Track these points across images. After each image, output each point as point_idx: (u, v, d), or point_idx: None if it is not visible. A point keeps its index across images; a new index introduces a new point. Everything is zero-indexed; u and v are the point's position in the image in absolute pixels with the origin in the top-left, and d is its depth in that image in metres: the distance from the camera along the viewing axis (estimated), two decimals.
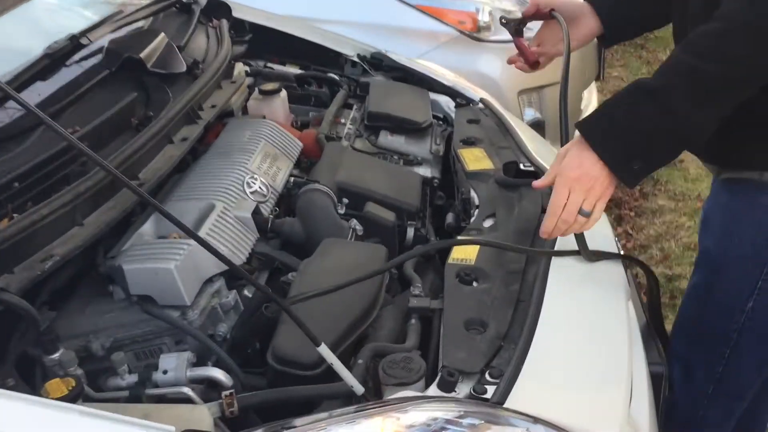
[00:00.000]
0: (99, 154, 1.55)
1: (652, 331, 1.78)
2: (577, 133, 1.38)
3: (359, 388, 1.17)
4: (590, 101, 4.34)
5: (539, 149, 2.25)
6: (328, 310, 1.39)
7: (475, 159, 2.04)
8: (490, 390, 1.23)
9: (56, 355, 1.28)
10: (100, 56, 1.87)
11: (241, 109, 2.32)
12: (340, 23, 3.68)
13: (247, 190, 1.71)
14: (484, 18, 3.74)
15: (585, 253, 1.57)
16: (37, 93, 1.70)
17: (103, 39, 1.98)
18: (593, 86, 4.47)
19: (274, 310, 1.35)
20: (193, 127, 1.80)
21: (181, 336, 1.42)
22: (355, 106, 2.47)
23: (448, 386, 1.23)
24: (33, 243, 1.31)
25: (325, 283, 1.45)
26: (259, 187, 1.75)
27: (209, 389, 1.30)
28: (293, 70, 2.70)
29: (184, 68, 2.02)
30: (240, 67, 2.37)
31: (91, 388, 1.30)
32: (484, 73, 3.65)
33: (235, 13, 2.70)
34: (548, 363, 1.32)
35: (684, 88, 1.26)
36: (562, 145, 1.46)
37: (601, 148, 1.31)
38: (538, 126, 3.89)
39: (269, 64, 2.74)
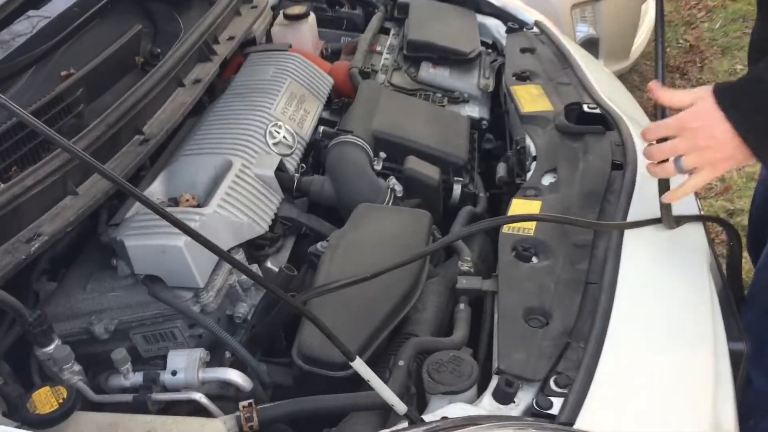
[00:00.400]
0: (97, 103, 1.35)
1: (731, 301, 1.56)
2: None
3: (401, 408, 0.97)
4: (647, 15, 3.95)
5: (605, 85, 1.97)
6: (363, 296, 1.19)
7: (531, 98, 1.77)
8: (557, 403, 1.03)
9: (50, 349, 1.10)
10: None
11: (264, 36, 2.07)
12: None
13: (270, 142, 1.48)
14: None
15: (667, 219, 1.33)
16: (28, 25, 1.46)
17: None
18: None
19: (306, 299, 1.15)
20: (207, 65, 1.55)
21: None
22: (392, 31, 2.18)
23: (505, 398, 1.04)
24: (17, 219, 1.11)
25: (360, 259, 1.24)
26: (284, 138, 1.52)
27: (224, 390, 1.12)
28: None
29: None
30: None
31: (92, 387, 1.13)
32: None
33: None
34: (625, 366, 1.11)
35: None
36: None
37: (742, 118, 1.07)
38: (591, 43, 3.55)
39: None
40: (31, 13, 1.51)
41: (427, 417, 1.02)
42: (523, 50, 2.00)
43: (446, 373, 1.08)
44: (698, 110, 1.13)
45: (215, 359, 1.19)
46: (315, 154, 1.56)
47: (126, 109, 1.28)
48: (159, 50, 1.50)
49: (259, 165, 1.41)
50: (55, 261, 1.37)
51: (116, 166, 1.24)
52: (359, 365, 0.94)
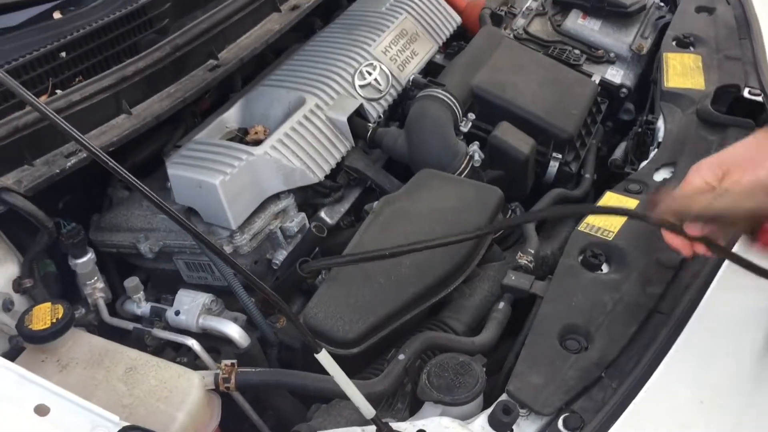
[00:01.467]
0: (189, 18, 1.33)
1: None
2: None
3: (368, 411, 0.88)
4: None
5: None
6: (394, 271, 1.08)
7: (682, 70, 1.49)
8: None
9: (79, 261, 1.13)
10: None
11: None
12: None
13: (357, 83, 1.38)
14: None
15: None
16: None
17: None
18: None
19: (310, 269, 1.07)
20: None
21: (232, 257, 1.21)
22: None
23: (500, 426, 0.90)
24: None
25: (401, 232, 1.13)
26: (375, 80, 1.40)
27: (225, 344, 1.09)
28: None
29: None
30: None
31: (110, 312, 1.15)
32: None
33: None
34: (657, 426, 0.92)
35: None
36: None
37: None
38: None
39: None
40: None
41: (401, 425, 0.92)
42: (699, 9, 1.69)
43: (447, 379, 0.96)
44: None
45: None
46: (404, 104, 1.44)
47: (200, 30, 1.24)
48: None
49: (335, 107, 1.32)
50: (136, 170, 1.41)
51: (178, 89, 1.22)
52: (323, 358, 0.85)
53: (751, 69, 1.47)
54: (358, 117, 1.34)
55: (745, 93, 1.40)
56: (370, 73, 1.40)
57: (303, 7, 1.40)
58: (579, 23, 1.70)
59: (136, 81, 1.16)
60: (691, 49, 1.56)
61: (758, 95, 1.39)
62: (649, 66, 1.64)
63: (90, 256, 1.14)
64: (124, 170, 0.74)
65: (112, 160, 0.73)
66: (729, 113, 1.40)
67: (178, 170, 1.18)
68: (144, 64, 1.16)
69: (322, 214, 1.30)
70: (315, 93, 1.33)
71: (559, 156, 1.35)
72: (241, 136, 1.32)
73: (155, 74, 1.18)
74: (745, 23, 1.60)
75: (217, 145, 1.23)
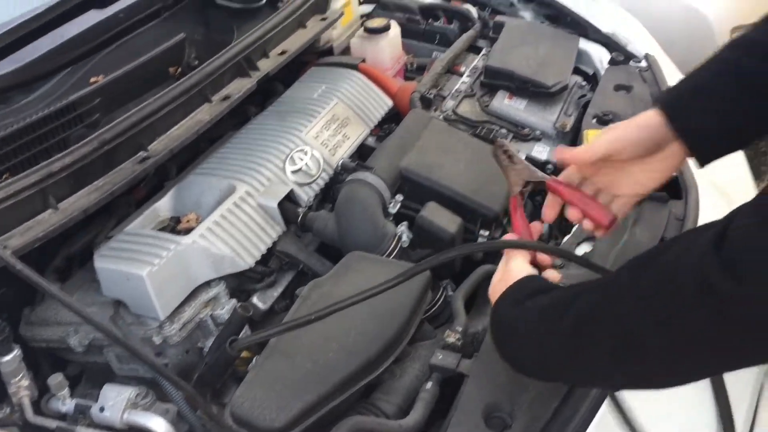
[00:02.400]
0: (120, 112, 1.35)
1: None
2: None
3: None
4: None
5: None
6: (321, 354, 1.09)
7: None
8: None
9: (8, 358, 1.11)
10: None
11: (344, 49, 2.00)
12: None
13: (289, 168, 1.42)
14: None
15: None
16: (75, 27, 1.49)
17: None
18: None
19: (239, 346, 1.07)
20: (244, 81, 1.51)
21: (161, 348, 1.21)
22: (484, 50, 2.03)
23: None
24: None
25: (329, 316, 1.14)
26: (307, 165, 1.44)
27: None
28: None
29: (263, 0, 1.73)
30: None
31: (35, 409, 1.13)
32: (690, 5, 2.95)
33: None
34: None
35: None
36: None
37: None
38: None
39: None
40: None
41: None
42: (618, 87, 1.78)
43: None
44: None
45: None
46: (334, 187, 1.47)
47: (130, 124, 1.26)
48: (197, 62, 1.47)
49: (265, 194, 1.35)
50: (71, 261, 1.40)
51: (106, 182, 1.23)
52: None
53: None
54: (289, 202, 1.37)
55: None
56: (301, 159, 1.44)
57: (234, 98, 1.44)
58: (505, 103, 1.77)
59: (63, 176, 1.17)
60: (611, 124, 1.64)
61: None
62: (573, 142, 1.71)
63: (15, 353, 1.12)
64: (33, 271, 0.75)
65: (22, 263, 0.74)
66: None
67: (105, 263, 1.18)
68: (71, 159, 1.17)
69: (255, 300, 1.31)
70: (246, 180, 1.36)
71: (486, 233, 1.39)
72: (173, 225, 1.34)
73: (83, 168, 1.20)
74: None
75: (145, 235, 1.24)
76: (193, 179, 1.39)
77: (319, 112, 1.55)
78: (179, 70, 1.47)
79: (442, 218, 1.35)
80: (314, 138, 1.49)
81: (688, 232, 0.82)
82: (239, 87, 1.48)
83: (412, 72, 2.05)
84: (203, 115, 1.40)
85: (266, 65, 1.57)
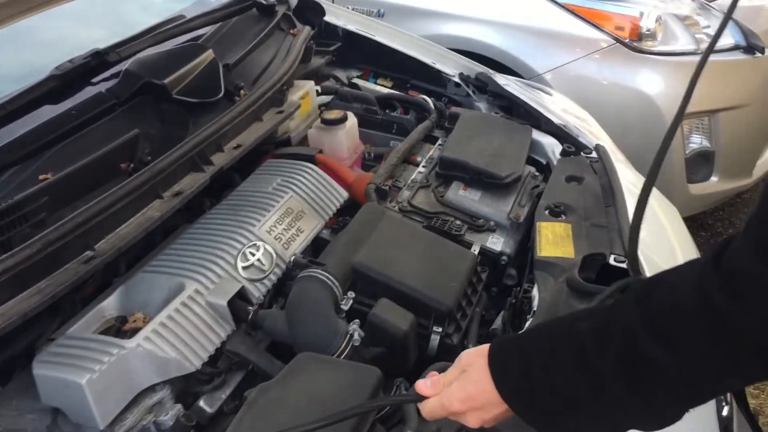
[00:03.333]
0: (68, 210, 1.33)
1: None
2: None
3: None
4: None
5: (657, 235, 1.74)
6: None
7: (554, 239, 1.58)
8: None
9: None
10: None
11: (302, 139, 2.02)
12: (478, 21, 3.27)
13: (240, 265, 1.40)
14: (648, 24, 3.11)
15: None
16: (27, 123, 1.48)
17: (138, 55, 1.74)
18: None
19: None
20: (196, 176, 1.50)
21: None
22: (440, 140, 2.07)
23: None
24: None
25: (276, 421, 1.11)
26: (259, 261, 1.43)
27: None
28: (381, 88, 2.34)
29: (220, 94, 1.74)
30: (307, 87, 2.05)
31: None
32: (641, 90, 3.07)
33: (329, 17, 2.39)
34: None
35: None
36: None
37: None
38: (705, 158, 3.23)
39: (355, 79, 2.40)
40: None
41: None
42: (570, 178, 1.82)
43: None
44: None
45: None
46: (286, 284, 1.46)
47: (75, 224, 1.25)
48: (150, 157, 1.47)
49: (215, 292, 1.33)
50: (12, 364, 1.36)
51: (49, 284, 1.20)
52: None
53: (616, 236, 1.57)
54: (240, 299, 1.35)
55: (611, 260, 1.49)
56: (253, 254, 1.43)
57: (185, 194, 1.43)
58: (460, 194, 1.79)
59: (4, 279, 1.14)
60: (562, 217, 1.66)
61: (622, 262, 1.47)
62: (527, 233, 1.73)
63: None
64: None
65: None
66: (598, 279, 1.48)
67: (43, 370, 1.14)
68: (14, 261, 1.15)
69: (202, 403, 1.27)
70: (195, 278, 1.34)
71: (440, 329, 1.38)
72: (119, 326, 1.30)
73: (25, 271, 1.17)
74: (611, 191, 1.73)
75: (87, 339, 1.21)
76: (142, 277, 1.37)
77: (273, 206, 1.55)
78: (132, 165, 1.46)
79: (394, 315, 1.34)
80: (267, 233, 1.49)
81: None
82: (192, 182, 1.48)
83: (370, 161, 2.07)
84: (153, 212, 1.39)
85: (220, 159, 1.58)
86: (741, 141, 3.31)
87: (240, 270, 1.40)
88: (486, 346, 0.93)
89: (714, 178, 3.27)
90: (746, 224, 0.72)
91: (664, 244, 1.79)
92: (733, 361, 0.73)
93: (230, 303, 1.32)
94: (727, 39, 3.23)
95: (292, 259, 1.45)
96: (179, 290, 1.31)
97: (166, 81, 1.62)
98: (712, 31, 3.23)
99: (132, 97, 1.60)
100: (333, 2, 3.41)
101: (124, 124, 1.54)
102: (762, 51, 3.19)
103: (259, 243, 1.45)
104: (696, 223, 3.73)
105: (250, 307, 1.34)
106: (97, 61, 1.64)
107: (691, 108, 3.07)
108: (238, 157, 1.60)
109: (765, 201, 0.70)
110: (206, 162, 1.53)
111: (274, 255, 1.46)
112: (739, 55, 3.17)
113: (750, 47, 3.17)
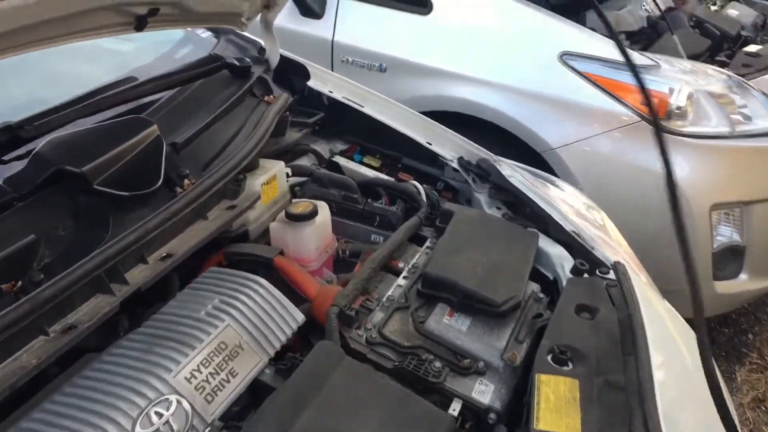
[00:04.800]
0: None
1: None
2: None
3: None
4: None
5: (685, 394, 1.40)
6: None
7: (556, 403, 1.24)
8: None
9: None
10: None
11: (264, 231, 1.70)
12: (487, 84, 2.96)
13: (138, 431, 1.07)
14: (678, 101, 2.79)
15: None
16: None
17: (58, 132, 1.43)
18: None
19: None
20: (101, 301, 1.18)
21: None
22: (428, 241, 1.74)
23: None
24: None
25: None
26: (167, 425, 1.09)
27: None
28: (365, 170, 2.02)
29: (158, 184, 1.43)
30: (274, 170, 1.73)
31: None
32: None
33: (314, 82, 2.09)
34: None
35: None
36: None
37: None
38: (733, 253, 2.89)
39: (337, 157, 2.08)
40: None
41: None
42: (581, 309, 1.48)
43: None
44: None
45: None
46: None
47: None
48: (42, 276, 1.15)
49: None
50: None
51: None
52: None
53: (636, 404, 1.23)
54: None
55: None
56: (160, 415, 1.09)
57: (80, 329, 1.11)
58: (444, 322, 1.45)
59: None
60: (569, 365, 1.32)
61: None
62: (523, 380, 1.39)
63: None
64: None
65: None
66: None
67: None
68: None
69: None
70: None
71: None
72: None
73: None
74: (631, 335, 1.39)
75: None
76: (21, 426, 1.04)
77: (201, 340, 1.22)
78: (19, 285, 1.14)
79: None
80: (186, 380, 1.15)
81: None
82: (93, 311, 1.16)
83: (344, 259, 1.75)
84: (29, 357, 1.06)
85: (140, 276, 1.25)
86: None
87: None
88: None
89: (743, 276, 2.92)
90: None
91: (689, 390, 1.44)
92: None
93: None
94: (764, 122, 2.91)
95: (210, 424, 1.11)
96: None
97: (86, 168, 1.30)
98: (749, 112, 2.91)
99: (40, 187, 1.29)
100: (332, 67, 3.13)
101: (20, 225, 1.22)
102: None
103: (171, 397, 1.12)
104: (718, 317, 3.37)
105: None
106: (7, 137, 1.34)
107: (720, 198, 2.78)
108: (166, 271, 1.28)
109: None
110: (118, 280, 1.21)
111: (190, 414, 1.12)
112: None
113: None
